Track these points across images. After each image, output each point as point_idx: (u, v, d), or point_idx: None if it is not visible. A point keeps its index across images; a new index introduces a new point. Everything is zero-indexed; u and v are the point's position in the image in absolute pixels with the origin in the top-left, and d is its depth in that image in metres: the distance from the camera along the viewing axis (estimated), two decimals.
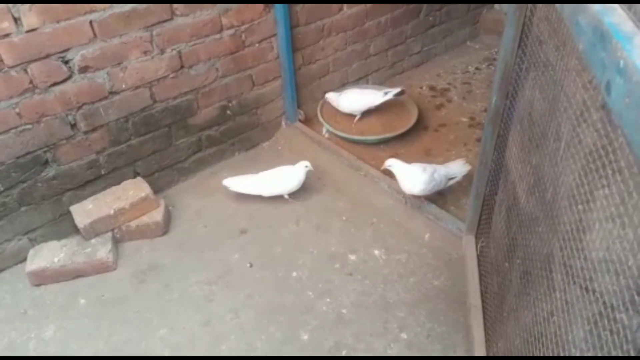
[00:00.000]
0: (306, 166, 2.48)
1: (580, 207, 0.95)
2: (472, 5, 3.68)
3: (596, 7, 0.77)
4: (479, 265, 1.96)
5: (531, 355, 1.17)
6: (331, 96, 2.93)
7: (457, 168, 2.42)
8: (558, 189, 1.11)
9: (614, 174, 0.79)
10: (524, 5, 1.44)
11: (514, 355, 1.34)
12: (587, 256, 0.92)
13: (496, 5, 3.81)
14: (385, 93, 2.90)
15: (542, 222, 1.22)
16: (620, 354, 0.74)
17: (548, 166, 1.20)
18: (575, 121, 1.01)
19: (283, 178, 2.50)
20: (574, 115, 1.02)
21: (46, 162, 2.18)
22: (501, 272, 1.57)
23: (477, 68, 3.56)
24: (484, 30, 3.83)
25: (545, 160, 1.23)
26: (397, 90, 2.91)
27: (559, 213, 1.09)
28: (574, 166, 1.01)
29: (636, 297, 0.72)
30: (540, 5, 1.31)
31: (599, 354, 0.82)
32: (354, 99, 2.90)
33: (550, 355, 1.04)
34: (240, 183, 2.54)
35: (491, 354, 1.63)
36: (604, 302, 0.84)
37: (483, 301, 1.81)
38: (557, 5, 0.97)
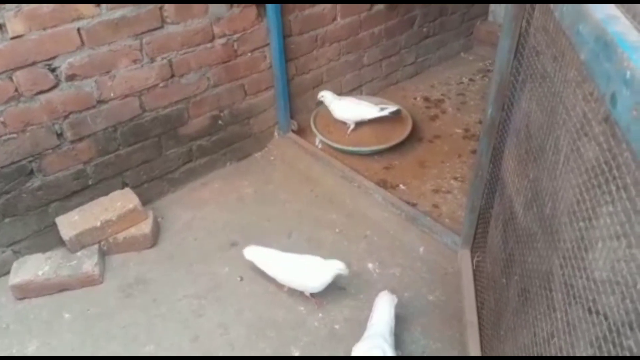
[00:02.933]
0: (339, 269, 1.94)
1: (581, 224, 0.91)
2: (466, 17, 3.67)
3: (598, 15, 0.74)
4: (475, 280, 1.91)
5: None
6: (327, 95, 2.87)
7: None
8: (557, 204, 1.07)
9: (618, 191, 0.75)
10: (519, 16, 1.41)
11: None
12: (590, 276, 0.88)
13: (490, 17, 3.80)
14: (382, 109, 2.85)
15: (540, 238, 1.18)
16: None
17: (546, 180, 1.16)
18: (575, 134, 0.97)
19: (306, 273, 1.99)
20: (574, 128, 0.98)
21: (31, 172, 2.12)
22: (498, 288, 1.52)
23: (471, 79, 3.54)
24: (478, 41, 3.83)
25: (543, 174, 1.19)
26: (394, 108, 2.86)
27: (558, 229, 1.04)
28: (574, 181, 0.97)
29: None
30: (537, 15, 1.29)
31: None
32: (348, 108, 2.87)
33: None
34: (259, 255, 2.12)
35: None
36: (610, 325, 0.80)
37: (479, 318, 1.77)
38: (557, 14, 0.94)
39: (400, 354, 1.80)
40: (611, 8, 0.75)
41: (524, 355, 1.18)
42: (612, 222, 0.78)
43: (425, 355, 1.84)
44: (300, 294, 2.08)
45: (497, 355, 1.48)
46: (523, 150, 1.38)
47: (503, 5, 3.62)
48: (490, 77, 1.61)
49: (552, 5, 0.98)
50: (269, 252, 2.12)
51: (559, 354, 0.97)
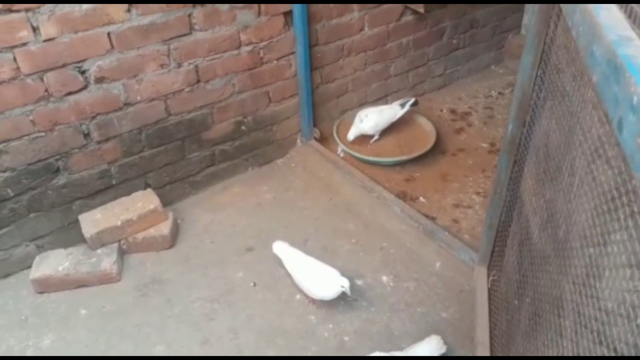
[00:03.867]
0: (342, 286, 1.95)
1: (591, 250, 0.88)
2: (498, 30, 3.61)
3: (612, 36, 0.71)
4: (489, 299, 1.86)
5: None
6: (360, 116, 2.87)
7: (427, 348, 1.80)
8: (570, 228, 1.03)
9: (626, 219, 0.72)
10: (543, 32, 1.38)
11: None
12: (598, 305, 0.84)
13: (523, 30, 3.73)
14: (402, 106, 2.90)
15: (553, 261, 1.15)
16: None
17: (562, 202, 1.13)
18: (590, 157, 0.94)
19: (313, 281, 2.02)
20: (589, 150, 0.95)
21: (57, 170, 2.19)
22: (510, 309, 1.48)
23: (500, 93, 3.48)
24: (508, 55, 3.76)
25: (559, 196, 1.15)
26: (412, 100, 2.92)
27: (570, 254, 1.01)
28: (587, 205, 0.94)
29: None
30: (559, 32, 1.25)
31: None
32: (376, 120, 2.84)
33: None
34: (284, 252, 2.18)
35: None
36: (620, 355, 0.76)
37: (491, 338, 1.72)
38: (574, 33, 0.91)
39: None
40: (626, 29, 0.73)
41: None
42: (619, 251, 0.75)
43: None
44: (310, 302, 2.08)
45: None
46: (541, 169, 1.35)
47: None
48: (513, 94, 1.57)
49: (570, 24, 0.95)
50: (293, 251, 2.18)
51: None
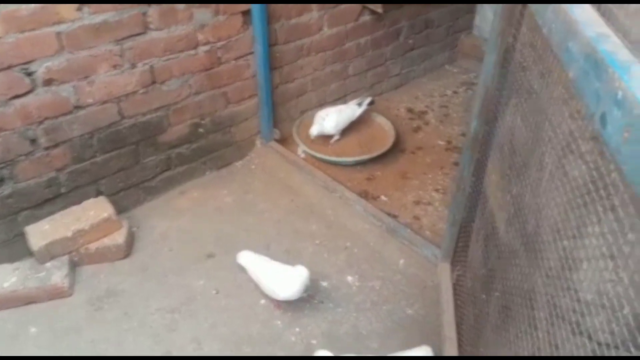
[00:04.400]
0: (301, 275, 1.92)
1: (566, 243, 0.89)
2: (451, 30, 3.70)
3: (589, 33, 0.73)
4: (455, 295, 1.89)
5: None
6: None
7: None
8: (540, 222, 1.05)
9: (605, 212, 0.73)
10: (506, 31, 1.41)
11: None
12: (575, 296, 0.86)
13: (475, 31, 3.84)
14: (359, 105, 2.95)
15: (522, 255, 1.16)
16: None
17: (530, 197, 1.15)
18: (560, 152, 0.96)
19: (276, 282, 1.97)
20: (560, 145, 0.97)
21: (2, 180, 2.04)
22: (478, 304, 1.50)
23: (454, 92, 3.56)
24: (462, 54, 3.85)
25: (526, 191, 1.18)
26: (368, 99, 2.98)
27: (541, 248, 1.03)
28: (559, 199, 0.95)
29: (627, 335, 0.66)
30: (524, 31, 1.28)
31: None
32: (337, 120, 2.84)
33: None
34: (249, 261, 2.12)
35: None
36: (594, 347, 0.77)
37: (458, 333, 1.74)
38: (545, 31, 0.92)
39: None
40: (601, 26, 0.74)
41: None
42: (598, 243, 0.76)
43: None
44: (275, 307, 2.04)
45: None
46: (506, 165, 1.37)
47: (488, 20, 3.68)
48: (475, 91, 1.60)
49: (541, 22, 0.96)
50: (258, 258, 2.12)
51: None
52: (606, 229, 0.72)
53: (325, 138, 2.90)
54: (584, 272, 0.82)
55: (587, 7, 0.81)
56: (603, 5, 0.84)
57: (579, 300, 0.85)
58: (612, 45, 0.67)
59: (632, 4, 0.89)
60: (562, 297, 0.89)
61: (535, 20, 1.16)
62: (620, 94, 0.59)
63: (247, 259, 2.13)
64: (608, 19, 0.80)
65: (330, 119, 2.81)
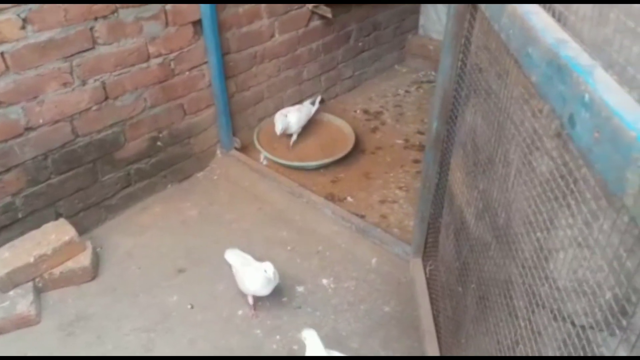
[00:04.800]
0: (265, 270, 1.92)
1: (539, 234, 0.95)
2: (398, 31, 3.79)
3: (548, 39, 0.78)
4: (429, 289, 1.96)
5: None
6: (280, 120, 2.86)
7: None
8: (511, 215, 1.11)
9: (577, 204, 0.79)
10: (459, 34, 1.47)
11: None
12: (553, 284, 0.92)
13: (420, 31, 3.95)
14: (312, 103, 3.07)
15: (495, 247, 1.23)
16: None
17: (497, 192, 1.21)
18: (526, 148, 1.02)
19: (245, 276, 1.99)
20: (524, 142, 1.03)
21: None
22: (454, 296, 1.57)
23: (406, 91, 3.65)
24: (410, 54, 3.96)
25: (494, 186, 1.24)
26: (319, 97, 3.14)
27: (515, 240, 1.09)
28: (528, 193, 1.02)
29: (611, 318, 0.71)
30: (478, 34, 1.35)
31: None
32: (298, 116, 2.89)
33: None
34: (233, 258, 2.12)
35: None
36: (578, 330, 0.83)
37: (436, 325, 1.80)
38: (503, 36, 0.98)
39: None
40: (559, 32, 0.80)
41: None
42: (573, 233, 0.82)
43: None
44: (253, 316, 2.04)
45: None
46: (471, 162, 1.44)
47: (432, 20, 3.80)
48: (434, 92, 1.66)
49: (497, 27, 1.02)
50: (241, 255, 2.13)
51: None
52: (580, 220, 0.78)
53: (286, 142, 2.91)
54: (561, 261, 0.88)
55: (543, 13, 0.87)
56: (554, 6, 0.90)
57: (558, 288, 0.91)
58: (572, 51, 0.73)
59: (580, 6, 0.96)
60: (541, 285, 0.95)
61: (488, 23, 1.22)
62: (587, 96, 0.64)
63: (232, 255, 2.14)
64: (559, 21, 0.86)
65: (292, 115, 2.86)
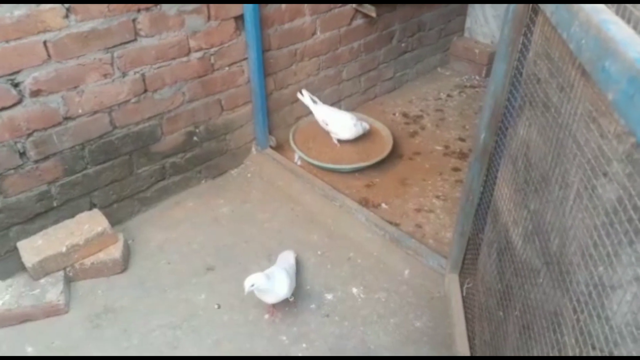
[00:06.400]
0: (244, 285, 1.84)
1: (601, 269, 0.86)
2: (443, 33, 3.67)
3: (631, 53, 0.69)
4: (465, 308, 1.86)
5: None
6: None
7: None
8: (567, 242, 1.02)
9: (637, 234, 0.69)
10: (516, 40, 1.37)
11: None
12: (609, 324, 0.82)
13: (466, 33, 3.82)
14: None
15: (545, 275, 1.13)
16: None
17: (552, 215, 1.11)
18: (590, 171, 0.92)
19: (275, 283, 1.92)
20: (588, 165, 0.93)
21: None
22: (494, 320, 1.47)
23: (449, 95, 3.53)
24: (454, 57, 3.83)
25: (547, 208, 1.14)
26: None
27: (569, 270, 0.99)
28: (590, 221, 0.92)
29: None
30: (538, 41, 1.24)
31: None
32: (348, 127, 2.79)
33: None
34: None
35: None
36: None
37: (471, 348, 1.71)
38: (572, 46, 0.89)
39: None
40: None
41: None
42: (636, 273, 0.72)
43: None
44: (281, 321, 1.99)
45: None
46: (521, 179, 1.34)
47: (479, 22, 3.66)
48: (484, 100, 1.56)
49: (565, 35, 0.93)
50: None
51: None
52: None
53: (324, 145, 2.85)
54: (618, 299, 0.79)
55: (622, 23, 0.77)
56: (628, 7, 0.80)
57: (612, 329, 0.81)
58: None
59: None
60: (597, 324, 0.86)
61: (552, 30, 1.12)
62: None
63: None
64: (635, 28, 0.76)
65: (364, 123, 2.84)
